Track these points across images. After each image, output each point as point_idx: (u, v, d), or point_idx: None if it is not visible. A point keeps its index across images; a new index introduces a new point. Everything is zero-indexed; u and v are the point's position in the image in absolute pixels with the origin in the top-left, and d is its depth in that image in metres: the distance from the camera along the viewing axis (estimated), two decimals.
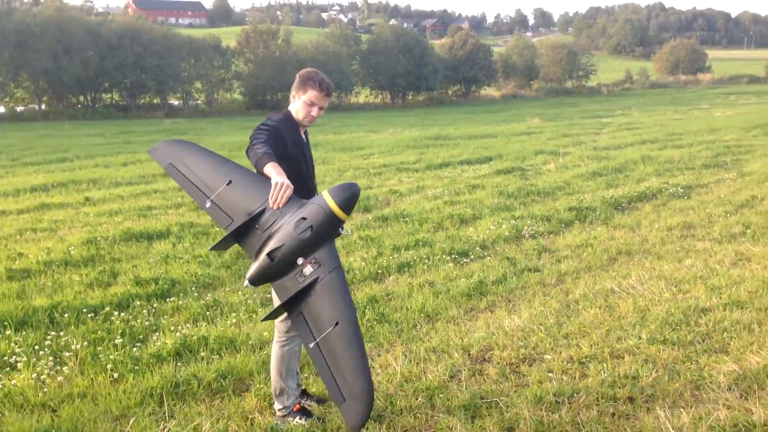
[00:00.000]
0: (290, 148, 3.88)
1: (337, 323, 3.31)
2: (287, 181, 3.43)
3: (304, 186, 3.93)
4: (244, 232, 3.55)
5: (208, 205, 3.63)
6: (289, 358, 4.12)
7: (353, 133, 29.77)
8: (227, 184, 3.60)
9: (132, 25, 48.94)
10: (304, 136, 4.18)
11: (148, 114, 45.97)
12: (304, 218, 3.38)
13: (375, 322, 5.79)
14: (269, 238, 3.46)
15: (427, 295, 6.48)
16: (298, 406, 4.20)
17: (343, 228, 3.58)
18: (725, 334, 5.25)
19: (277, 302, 3.80)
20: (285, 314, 3.84)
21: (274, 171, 3.47)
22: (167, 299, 6.50)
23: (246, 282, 3.61)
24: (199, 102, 51.72)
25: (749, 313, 5.66)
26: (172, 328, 5.71)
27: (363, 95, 61.16)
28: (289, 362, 4.12)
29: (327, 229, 3.41)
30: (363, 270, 7.42)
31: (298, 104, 4.01)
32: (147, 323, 5.84)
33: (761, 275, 6.69)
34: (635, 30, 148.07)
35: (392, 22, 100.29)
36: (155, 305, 6.32)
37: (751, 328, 5.32)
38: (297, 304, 3.44)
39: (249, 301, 6.40)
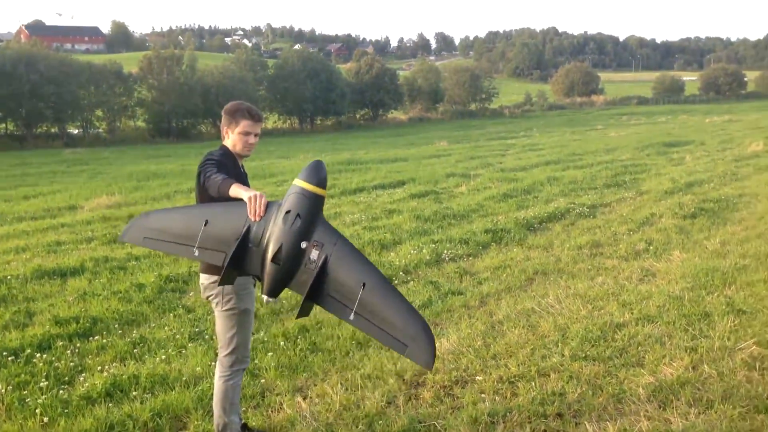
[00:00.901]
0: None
1: (364, 284, 3.38)
2: (260, 193, 3.51)
3: None
4: (243, 256, 3.55)
5: (197, 253, 3.64)
6: (233, 393, 4.15)
7: (264, 160, 29.60)
8: (205, 225, 3.63)
9: (27, 52, 47.08)
10: (242, 169, 4.25)
11: (46, 144, 44.19)
12: (288, 211, 3.45)
13: (308, 352, 5.84)
14: (266, 246, 3.49)
15: None
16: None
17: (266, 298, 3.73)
18: (640, 348, 5.60)
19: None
20: (229, 346, 4.01)
21: (241, 189, 3.55)
22: (90, 338, 6.32)
23: (265, 298, 3.65)
24: (100, 130, 50.11)
25: (659, 326, 6.05)
26: (99, 367, 5.57)
27: (271, 121, 60.84)
28: (232, 397, 4.14)
29: (314, 211, 3.49)
30: (290, 299, 7.44)
31: (235, 138, 4.10)
32: (72, 364, 5.67)
33: (666, 290, 7.15)
34: (532, 54, 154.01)
35: (297, 46, 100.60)
36: (78, 345, 6.13)
37: (663, 341, 5.69)
38: (321, 290, 3.46)
39: (177, 336, 6.32)
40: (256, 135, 4.14)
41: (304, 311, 3.56)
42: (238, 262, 3.56)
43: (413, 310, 3.41)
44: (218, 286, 3.77)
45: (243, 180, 4.08)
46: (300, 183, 3.49)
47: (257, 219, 3.50)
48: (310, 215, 3.47)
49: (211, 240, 3.62)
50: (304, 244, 3.45)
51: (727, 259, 8.45)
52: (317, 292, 3.47)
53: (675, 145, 28.24)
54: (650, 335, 5.86)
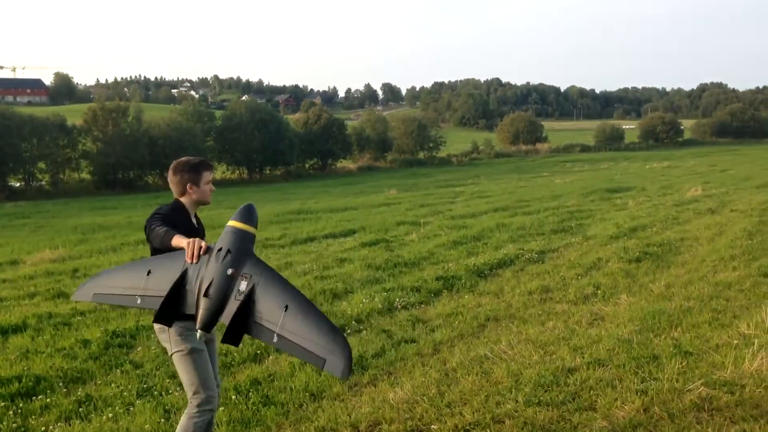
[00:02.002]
0: (182, 234, 4.01)
1: (287, 306, 3.58)
2: (198, 239, 3.79)
3: None
4: (178, 296, 3.77)
5: (138, 301, 3.92)
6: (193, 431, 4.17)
7: (212, 211, 29.30)
8: (147, 275, 3.90)
9: None
10: (195, 221, 4.43)
11: None
12: (220, 248, 3.72)
13: (260, 405, 5.73)
14: (200, 286, 3.71)
15: (309, 374, 6.49)
16: None
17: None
18: (592, 391, 5.65)
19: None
20: (194, 386, 4.16)
21: (182, 238, 3.83)
22: (33, 398, 6.10)
23: (198, 333, 3.77)
24: (43, 183, 49.13)
25: (610, 370, 6.13)
26: (43, 428, 5.37)
27: (219, 171, 60.59)
28: None
29: (243, 246, 3.75)
30: (241, 351, 7.32)
31: (202, 189, 4.38)
32: (14, 425, 5.45)
33: (615, 333, 7.27)
34: (477, 103, 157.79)
35: (245, 97, 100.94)
36: (20, 405, 5.90)
37: (614, 385, 5.77)
38: (247, 318, 3.64)
39: (124, 393, 6.14)
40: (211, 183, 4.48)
41: (229, 337, 3.68)
42: (174, 302, 3.78)
43: (332, 326, 3.58)
44: (153, 322, 3.96)
45: (196, 232, 4.28)
46: (231, 223, 3.79)
47: (195, 261, 3.76)
48: (240, 250, 3.73)
49: (152, 288, 3.86)
50: (230, 271, 3.67)
51: (673, 302, 8.66)
52: (244, 320, 3.65)
53: (618, 191, 29.04)
54: (601, 379, 5.93)
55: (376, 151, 72.30)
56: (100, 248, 16.97)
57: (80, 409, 5.83)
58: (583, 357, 6.57)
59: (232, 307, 3.67)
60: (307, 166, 66.34)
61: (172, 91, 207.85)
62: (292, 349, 3.58)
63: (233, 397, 5.88)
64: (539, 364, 6.42)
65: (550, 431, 4.97)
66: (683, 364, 6.14)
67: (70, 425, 5.48)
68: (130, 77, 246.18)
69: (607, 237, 14.85)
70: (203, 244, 3.76)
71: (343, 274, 11.66)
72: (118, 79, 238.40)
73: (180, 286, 3.78)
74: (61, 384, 6.50)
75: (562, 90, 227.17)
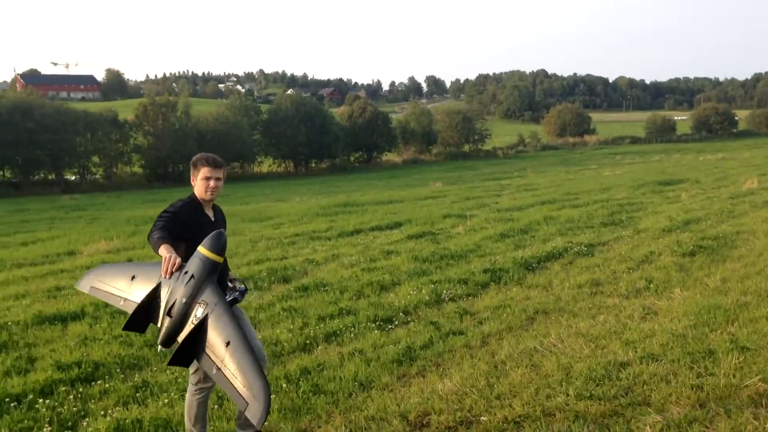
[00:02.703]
0: (192, 229, 4.37)
1: (228, 343, 3.83)
2: (174, 255, 4.05)
3: None
4: (153, 309, 4.13)
5: (121, 303, 4.32)
6: (198, 407, 4.64)
7: (260, 203, 29.74)
8: (132, 279, 4.31)
9: (22, 101, 47.63)
10: (212, 214, 4.70)
11: (43, 191, 44.39)
12: (186, 272, 4.01)
13: (310, 394, 5.80)
14: (167, 303, 4.03)
15: (358, 364, 6.55)
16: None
17: (238, 293, 4.47)
18: (645, 386, 5.57)
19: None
20: (195, 366, 4.41)
21: (164, 250, 4.09)
22: (92, 383, 6.29)
23: (159, 347, 4.15)
24: (97, 176, 50.40)
25: (664, 365, 6.03)
26: (102, 412, 5.53)
27: (266, 164, 61.32)
28: (197, 410, 4.64)
29: (206, 273, 4.01)
30: (291, 341, 7.43)
31: (198, 184, 4.61)
32: (75, 409, 5.63)
33: (669, 328, 7.14)
34: (523, 96, 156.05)
35: (290, 91, 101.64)
36: (81, 390, 6.10)
37: (668, 380, 5.67)
38: (200, 345, 3.92)
39: (179, 380, 6.28)
40: (217, 179, 4.61)
41: (178, 359, 4.00)
42: (144, 312, 4.13)
43: (261, 373, 3.77)
44: (123, 330, 4.34)
45: (202, 227, 4.44)
46: (200, 249, 4.04)
47: (167, 277, 4.04)
48: (203, 277, 3.99)
49: (132, 293, 4.25)
50: (184, 299, 3.95)
51: (729, 296, 8.45)
52: (194, 346, 3.94)
53: (670, 184, 28.44)
54: (655, 373, 5.83)
55: (420, 144, 72.20)
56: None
57: (137, 394, 5.99)
58: (636, 351, 6.46)
59: (187, 329, 3.95)
60: (352, 159, 66.62)
61: (219, 85, 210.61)
62: (224, 385, 3.81)
63: (284, 385, 5.96)
64: (590, 358, 6.35)
65: (603, 425, 4.91)
66: (740, 359, 6.00)
67: (128, 410, 5.63)
68: (179, 72, 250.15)
69: (659, 230, 14.58)
70: (178, 261, 4.01)
71: (390, 266, 11.70)
72: (167, 75, 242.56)
73: (153, 298, 4.11)
74: (118, 370, 6.68)
75: (610, 81, 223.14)
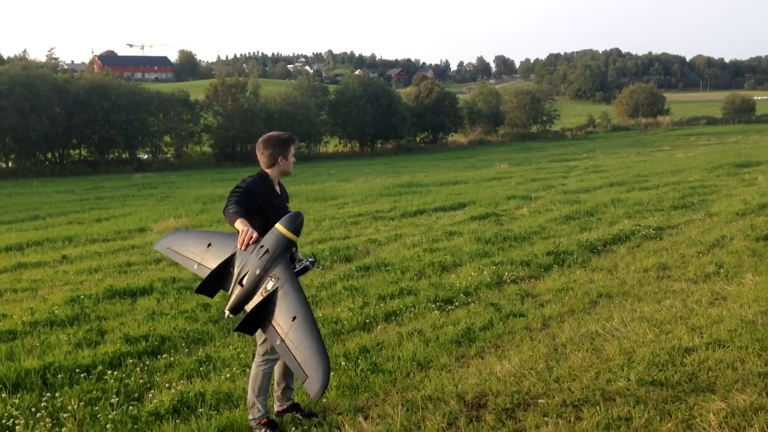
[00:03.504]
0: (262, 204, 4.57)
1: (294, 317, 4.00)
2: (251, 229, 4.21)
3: None
4: (225, 276, 4.32)
5: (195, 267, 4.53)
6: (263, 378, 4.74)
7: (325, 183, 30.02)
8: (207, 247, 4.51)
9: (99, 82, 49.15)
10: (279, 189, 4.87)
11: (117, 169, 45.87)
12: (262, 246, 4.18)
13: (369, 372, 5.85)
14: (240, 272, 4.22)
15: (417, 344, 6.57)
16: (265, 420, 4.73)
17: (309, 261, 4.54)
18: (710, 373, 5.40)
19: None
20: (263, 338, 4.57)
21: (241, 224, 4.26)
22: (158, 356, 6.50)
23: (227, 313, 4.28)
24: (168, 155, 51.73)
25: (731, 352, 5.83)
26: (167, 385, 5.72)
27: (332, 145, 61.76)
28: (262, 381, 4.74)
29: (281, 250, 4.18)
30: (351, 320, 7.50)
31: (289, 161, 4.80)
32: (141, 381, 5.84)
33: (738, 314, 6.90)
34: (594, 75, 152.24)
35: (358, 72, 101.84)
36: (147, 363, 6.32)
37: (735, 367, 5.48)
38: (264, 315, 4.10)
39: (241, 356, 6.43)
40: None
41: (245, 326, 4.16)
42: (216, 278, 4.33)
43: (323, 350, 3.92)
44: (195, 292, 4.55)
45: (273, 202, 4.71)
46: (278, 226, 4.22)
47: (243, 248, 4.22)
48: (277, 252, 4.16)
49: (207, 260, 4.45)
50: (258, 271, 4.13)
51: None
52: (262, 317, 4.11)
53: (746, 166, 27.31)
54: (721, 360, 5.65)
55: (487, 125, 71.41)
56: (220, 218, 17.70)
57: (201, 369, 6.16)
58: (702, 337, 6.27)
59: (256, 299, 4.14)
60: (417, 139, 66.46)
61: (288, 66, 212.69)
62: (286, 356, 3.98)
63: (342, 363, 6.03)
64: (654, 343, 6.19)
65: (664, 411, 4.79)
66: None
67: (191, 383, 5.80)
68: (249, 53, 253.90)
69: (732, 214, 14.07)
70: (255, 235, 4.18)
71: (452, 247, 11.66)
72: (238, 56, 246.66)
73: (226, 266, 4.30)
74: (183, 344, 6.89)
75: (687, 59, 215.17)
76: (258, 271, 4.13)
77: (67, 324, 7.78)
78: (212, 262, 4.40)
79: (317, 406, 5.16)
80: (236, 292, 4.20)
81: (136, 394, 5.57)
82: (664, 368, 5.55)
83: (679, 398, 4.98)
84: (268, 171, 4.78)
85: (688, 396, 5.01)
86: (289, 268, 4.19)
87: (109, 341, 7.04)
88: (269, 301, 4.09)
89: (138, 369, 6.11)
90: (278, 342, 4.00)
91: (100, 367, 6.10)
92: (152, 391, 5.61)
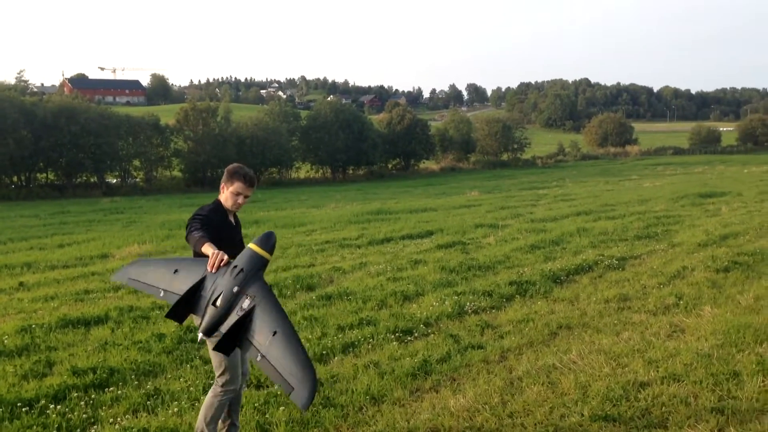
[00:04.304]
0: (217, 233, 4.59)
1: (275, 332, 3.99)
2: (221, 252, 4.24)
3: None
4: (195, 300, 4.29)
5: (161, 294, 4.47)
6: (217, 408, 4.76)
7: (295, 209, 29.86)
8: (174, 273, 4.46)
9: (68, 105, 48.65)
10: (233, 220, 4.94)
11: (85, 193, 45.26)
12: (236, 266, 4.19)
13: (320, 407, 5.73)
14: (212, 294, 4.20)
15: (372, 376, 6.46)
16: None
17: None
18: (664, 408, 5.38)
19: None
20: (222, 367, 4.67)
21: (210, 247, 4.31)
22: (106, 389, 6.31)
23: (200, 336, 4.27)
24: (137, 180, 51.23)
25: (685, 386, 5.83)
26: (111, 420, 5.54)
27: (304, 170, 61.69)
28: (216, 411, 4.76)
29: (255, 269, 4.20)
30: (308, 351, 7.35)
31: (227, 194, 4.82)
32: (85, 416, 5.64)
33: (695, 347, 6.91)
34: (564, 105, 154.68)
35: (330, 98, 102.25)
36: (93, 396, 6.11)
37: (688, 402, 5.47)
38: (244, 335, 4.08)
39: (191, 389, 6.26)
40: (246, 197, 4.85)
41: (222, 346, 4.11)
42: (187, 303, 4.29)
43: (308, 360, 3.93)
44: (166, 317, 4.44)
45: (231, 231, 4.81)
46: (251, 246, 4.25)
47: (213, 270, 4.24)
48: (251, 271, 4.17)
49: (175, 286, 4.40)
50: (235, 289, 4.11)
51: (761, 315, 8.16)
52: (238, 334, 4.08)
53: (711, 196, 27.74)
54: (675, 395, 5.64)
55: (459, 152, 71.96)
56: (185, 244, 17.47)
57: (148, 402, 5.98)
58: (658, 371, 6.27)
59: (231, 319, 4.11)
60: (389, 166, 66.63)
61: (261, 91, 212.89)
62: (269, 371, 3.96)
63: None
64: (610, 377, 6.18)
65: None
66: (765, 382, 5.77)
67: (137, 418, 5.63)
68: (222, 78, 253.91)
69: (695, 244, 14.21)
70: (225, 258, 4.21)
71: (416, 276, 11.59)
72: (211, 80, 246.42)
73: (196, 290, 4.28)
74: (133, 376, 6.69)
75: (655, 90, 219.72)
76: (234, 290, 4.13)
77: (16, 354, 7.53)
78: (181, 287, 4.38)
79: None
80: (209, 313, 4.20)
81: (78, 430, 5.38)
82: (618, 403, 5.52)
83: None
84: (221, 199, 4.85)
85: None
86: (265, 286, 4.21)
87: (56, 373, 6.82)
88: (246, 319, 4.09)
89: (82, 403, 5.90)
90: (258, 358, 3.99)
91: (44, 401, 5.89)
92: (95, 427, 5.42)
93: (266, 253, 4.26)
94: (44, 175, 48.38)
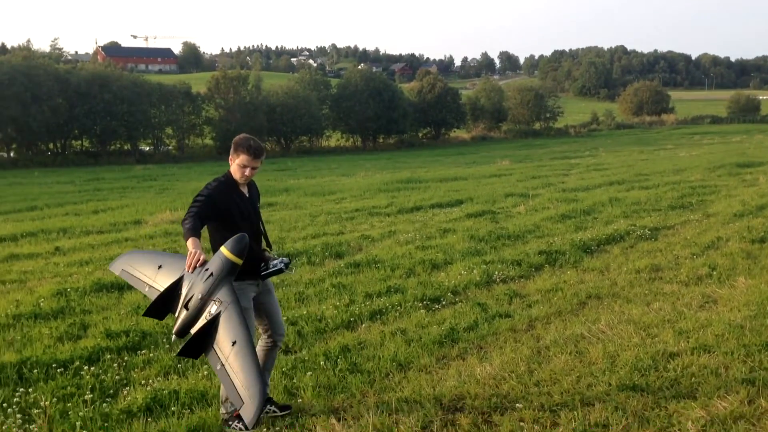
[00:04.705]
0: (224, 210, 4.58)
1: (234, 342, 3.98)
2: (200, 251, 4.20)
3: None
4: (173, 299, 4.30)
5: (146, 290, 4.56)
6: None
7: (325, 177, 29.92)
8: (158, 268, 4.54)
9: (101, 73, 49.07)
10: (246, 191, 4.83)
11: (119, 160, 45.78)
12: (207, 269, 4.18)
13: (347, 372, 5.78)
14: (187, 295, 4.21)
15: (399, 344, 6.49)
16: (237, 413, 4.68)
17: (283, 263, 4.67)
18: (693, 379, 5.32)
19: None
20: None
21: (191, 244, 4.25)
22: (138, 352, 6.43)
23: (173, 336, 4.31)
24: (170, 147, 51.69)
25: (716, 357, 5.75)
26: (143, 381, 5.65)
27: (334, 139, 61.62)
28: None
29: (225, 273, 4.18)
30: (335, 318, 7.42)
31: (234, 167, 4.73)
32: (117, 377, 5.76)
33: (727, 318, 6.82)
34: (599, 72, 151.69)
35: (361, 66, 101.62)
36: (126, 358, 6.25)
37: (718, 373, 5.40)
38: (209, 341, 4.08)
39: None
40: (253, 168, 4.71)
41: (188, 351, 4.16)
42: (164, 301, 4.33)
43: (260, 376, 3.92)
44: (143, 315, 4.60)
45: (244, 203, 4.74)
46: (222, 250, 4.21)
47: (190, 271, 4.22)
48: (221, 276, 4.16)
49: (158, 282, 4.47)
50: (203, 294, 4.12)
51: None
52: (205, 340, 4.09)
53: (749, 166, 27.12)
54: (706, 366, 5.57)
55: (490, 121, 71.20)
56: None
57: (179, 365, 6.08)
58: (688, 342, 6.20)
59: (201, 323, 4.13)
60: (420, 135, 66.22)
61: (292, 59, 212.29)
62: (225, 382, 3.98)
63: (321, 363, 5.94)
64: (639, 347, 6.12)
65: (643, 418, 4.72)
66: None
67: (168, 380, 5.73)
68: (253, 46, 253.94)
69: (730, 215, 13.96)
70: (202, 257, 4.19)
71: (445, 244, 11.57)
72: (242, 49, 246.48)
73: (174, 288, 4.30)
74: (164, 340, 6.80)
75: (693, 58, 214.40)
76: (201, 295, 4.14)
77: (51, 317, 7.71)
78: (162, 284, 4.42)
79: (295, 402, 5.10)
80: (182, 315, 4.21)
81: (111, 391, 5.49)
82: (647, 373, 5.48)
83: (659, 405, 4.91)
84: (231, 171, 4.77)
85: (668, 402, 4.94)
86: (232, 292, 4.18)
87: (90, 335, 6.97)
88: (212, 324, 4.09)
89: (115, 365, 6.03)
90: (218, 367, 4.01)
91: (78, 363, 6.02)
92: (127, 388, 5.53)
93: (236, 258, 4.20)
94: (79, 142, 49.05)
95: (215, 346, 4.05)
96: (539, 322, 7.25)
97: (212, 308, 4.11)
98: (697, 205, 15.90)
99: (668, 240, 11.73)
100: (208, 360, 4.16)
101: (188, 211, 4.45)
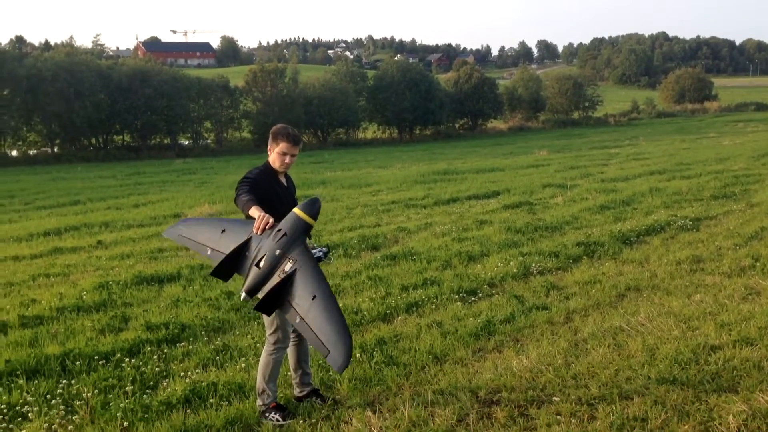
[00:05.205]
0: (266, 195, 4.64)
1: (314, 297, 4.11)
2: (268, 215, 4.33)
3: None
4: (240, 260, 4.43)
5: (208, 252, 4.65)
6: (273, 365, 4.82)
7: (362, 169, 29.98)
8: (222, 233, 4.63)
9: (142, 68, 49.76)
10: (284, 180, 4.96)
11: (159, 154, 46.49)
12: (279, 230, 4.30)
13: (383, 365, 5.79)
14: (256, 256, 4.33)
15: (435, 336, 6.48)
16: (274, 404, 4.84)
17: (322, 252, 4.83)
18: (735, 372, 5.22)
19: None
20: (273, 326, 4.71)
21: (257, 210, 4.38)
22: (177, 344, 6.54)
23: (243, 294, 4.40)
24: (208, 141, 52.28)
25: (759, 350, 5.63)
26: (182, 374, 5.73)
27: (371, 131, 61.62)
28: (273, 368, 4.82)
29: (298, 233, 4.31)
30: (371, 311, 7.44)
31: (274, 155, 4.84)
32: (157, 369, 5.87)
33: None
34: (639, 60, 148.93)
35: (398, 57, 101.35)
36: (165, 351, 6.35)
37: (761, 366, 5.29)
38: (285, 297, 4.21)
39: (258, 345, 6.42)
40: (293, 156, 4.84)
41: (263, 306, 4.27)
42: (232, 262, 4.43)
43: (344, 325, 4.05)
44: (210, 275, 4.73)
45: (277, 193, 4.81)
46: (296, 211, 4.35)
47: (259, 233, 4.34)
48: (294, 236, 4.29)
49: (221, 245, 4.56)
50: (278, 252, 4.23)
51: None
52: (280, 297, 4.22)
53: None
54: (748, 359, 5.45)
55: (527, 111, 70.46)
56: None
57: (217, 358, 6.17)
58: (730, 334, 6.08)
59: (273, 281, 4.24)
60: (456, 125, 65.86)
61: (328, 52, 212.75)
62: (307, 334, 4.12)
63: (358, 355, 5.96)
64: (679, 340, 6.02)
65: (683, 412, 4.64)
66: None
67: (206, 372, 5.81)
68: (290, 39, 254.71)
69: None
70: (271, 220, 4.29)
71: (482, 236, 11.52)
72: (279, 42, 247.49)
73: (241, 250, 4.41)
74: (203, 332, 6.91)
75: (737, 43, 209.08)
76: (277, 252, 4.24)
77: (93, 310, 7.88)
78: (227, 246, 4.50)
79: (332, 395, 5.15)
80: (252, 273, 4.31)
81: (151, 383, 5.59)
82: (687, 367, 5.38)
83: (699, 399, 4.83)
84: (269, 161, 4.89)
85: (708, 396, 4.85)
86: (307, 251, 4.29)
87: (131, 328, 7.11)
88: (287, 282, 4.20)
89: (156, 357, 6.14)
90: (297, 320, 4.12)
91: (119, 355, 6.15)
92: (167, 380, 5.62)
93: (310, 219, 4.35)
94: (120, 137, 49.93)
95: (292, 302, 4.18)
96: (577, 314, 7.17)
97: (287, 266, 4.23)
98: (740, 195, 15.55)
99: (710, 231, 11.50)
100: (286, 315, 4.30)
101: (239, 189, 4.58)
